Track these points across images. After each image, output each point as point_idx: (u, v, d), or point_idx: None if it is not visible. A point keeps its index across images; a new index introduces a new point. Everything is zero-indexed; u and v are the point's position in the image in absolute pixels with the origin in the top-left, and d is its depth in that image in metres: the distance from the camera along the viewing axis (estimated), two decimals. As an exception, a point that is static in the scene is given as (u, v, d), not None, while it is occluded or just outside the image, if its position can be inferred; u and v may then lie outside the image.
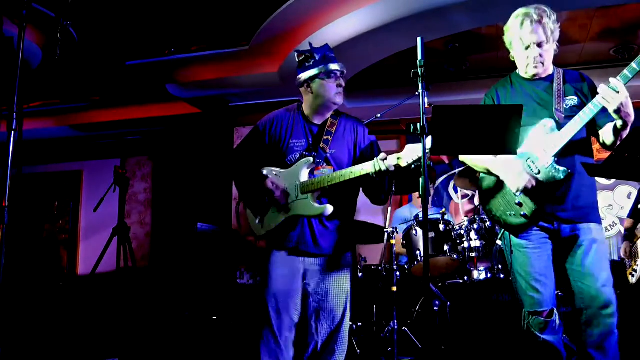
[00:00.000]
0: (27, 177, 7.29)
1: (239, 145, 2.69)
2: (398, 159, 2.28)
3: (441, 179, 5.75)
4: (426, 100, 2.04)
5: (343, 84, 2.54)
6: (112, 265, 4.50)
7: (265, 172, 2.50)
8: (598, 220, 2.37)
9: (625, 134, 2.21)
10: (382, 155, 2.32)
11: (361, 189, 2.60)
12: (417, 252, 3.96)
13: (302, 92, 2.59)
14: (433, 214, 4.05)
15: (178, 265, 6.14)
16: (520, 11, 2.41)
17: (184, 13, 4.48)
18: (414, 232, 3.99)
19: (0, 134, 2.12)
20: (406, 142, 6.21)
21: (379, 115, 3.33)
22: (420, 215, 4.16)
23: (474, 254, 3.81)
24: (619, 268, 4.19)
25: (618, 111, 2.12)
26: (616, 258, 5.25)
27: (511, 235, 2.40)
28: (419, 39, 2.09)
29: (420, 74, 2.04)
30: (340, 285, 2.49)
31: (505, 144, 2.02)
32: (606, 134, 2.30)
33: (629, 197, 5.52)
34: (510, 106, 2.28)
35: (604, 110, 2.23)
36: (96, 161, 7.16)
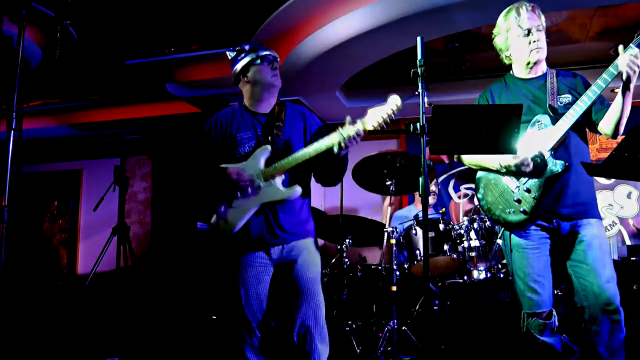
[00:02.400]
0: (26, 177, 7.29)
1: (191, 151, 2.66)
2: (363, 122, 2.30)
3: (441, 178, 5.76)
4: (426, 99, 2.05)
5: (277, 67, 2.57)
6: (112, 265, 4.50)
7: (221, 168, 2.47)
8: (598, 215, 2.37)
9: (627, 100, 2.21)
10: (348, 118, 2.33)
11: (312, 175, 2.59)
12: (417, 252, 3.96)
13: (241, 86, 2.60)
14: (433, 213, 4.06)
15: (178, 265, 6.14)
16: (512, 5, 2.44)
17: (183, 12, 4.48)
18: (413, 231, 4.00)
19: (-1, 133, 2.12)
20: (406, 142, 6.23)
21: (378, 115, 3.32)
22: (420, 214, 4.16)
23: (473, 254, 3.81)
24: (619, 267, 4.19)
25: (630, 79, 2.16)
26: (616, 258, 5.25)
27: (511, 235, 2.39)
28: (418, 39, 2.09)
29: (420, 73, 2.04)
30: (312, 270, 2.47)
31: (505, 144, 2.03)
32: (606, 124, 2.31)
33: (628, 196, 5.52)
34: (509, 106, 2.29)
35: (598, 100, 2.26)
36: (96, 160, 7.16)
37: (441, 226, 3.91)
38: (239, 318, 2.42)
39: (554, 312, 2.35)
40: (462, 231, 3.84)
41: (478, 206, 2.74)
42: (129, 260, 4.50)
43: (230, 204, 2.44)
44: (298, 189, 2.39)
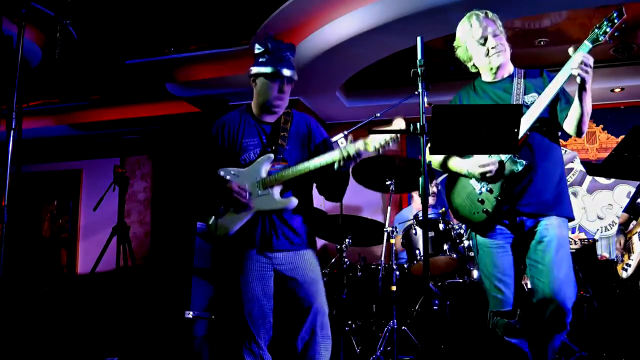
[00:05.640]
0: (26, 176, 7.29)
1: (196, 152, 2.65)
2: (365, 144, 2.28)
3: (441, 178, 5.76)
4: (426, 99, 2.04)
5: (287, 91, 2.51)
6: (112, 265, 4.50)
7: (222, 172, 2.47)
8: (565, 212, 2.34)
9: (586, 100, 2.20)
10: (350, 138, 2.33)
11: (315, 185, 2.58)
12: (417, 252, 3.96)
13: (253, 86, 2.57)
14: (432, 213, 4.06)
15: (178, 264, 6.13)
16: (465, 16, 2.48)
17: (184, 12, 4.48)
18: (413, 231, 4.00)
19: (-1, 133, 2.12)
20: (406, 142, 6.23)
21: (378, 115, 3.33)
22: (420, 214, 4.16)
23: (473, 253, 3.81)
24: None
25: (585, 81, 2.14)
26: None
27: (477, 235, 2.42)
28: (418, 38, 2.09)
29: (420, 73, 2.04)
30: (313, 275, 2.48)
31: (505, 144, 2.03)
32: (569, 125, 2.30)
33: (628, 196, 5.52)
34: (509, 105, 2.30)
35: (563, 99, 2.27)
36: (96, 160, 7.16)
37: (441, 226, 3.91)
38: (238, 322, 2.43)
39: (518, 312, 2.34)
40: (462, 231, 3.84)
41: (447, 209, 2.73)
42: (128, 260, 4.49)
43: (227, 209, 2.46)
44: (294, 201, 2.40)
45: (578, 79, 2.16)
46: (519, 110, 2.02)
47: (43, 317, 5.17)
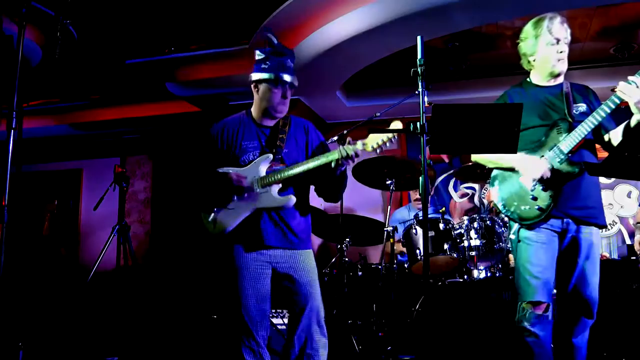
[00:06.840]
0: (26, 176, 7.29)
1: (195, 151, 2.70)
2: (364, 144, 2.35)
3: (441, 177, 5.76)
4: (426, 99, 2.05)
5: (289, 96, 2.57)
6: (112, 264, 4.50)
7: (222, 171, 2.51)
8: (603, 221, 2.49)
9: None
10: (348, 139, 2.39)
11: (313, 188, 2.64)
12: (417, 251, 3.96)
13: (253, 91, 2.63)
14: (432, 213, 4.06)
15: (178, 264, 6.14)
16: (545, 14, 2.56)
17: (184, 11, 4.48)
18: (413, 231, 4.00)
19: (-1, 132, 2.12)
20: (406, 141, 6.23)
21: (378, 114, 3.33)
22: (420, 214, 4.16)
23: (474, 253, 3.81)
24: (619, 266, 4.18)
25: (638, 102, 2.27)
26: (616, 257, 5.25)
27: (520, 229, 2.49)
28: (418, 38, 2.10)
29: (420, 72, 2.05)
30: (309, 275, 2.51)
31: (505, 143, 2.03)
32: (615, 135, 2.43)
33: (629, 195, 5.52)
34: (509, 105, 2.31)
35: (610, 115, 2.38)
36: (96, 160, 7.15)
37: (441, 225, 3.91)
38: (236, 320, 2.44)
39: (551, 307, 2.43)
40: (462, 230, 3.84)
41: (478, 205, 2.82)
42: (129, 259, 4.49)
43: (225, 206, 2.49)
44: (292, 199, 2.45)
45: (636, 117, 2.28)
46: (519, 110, 2.03)
47: (43, 317, 5.17)
